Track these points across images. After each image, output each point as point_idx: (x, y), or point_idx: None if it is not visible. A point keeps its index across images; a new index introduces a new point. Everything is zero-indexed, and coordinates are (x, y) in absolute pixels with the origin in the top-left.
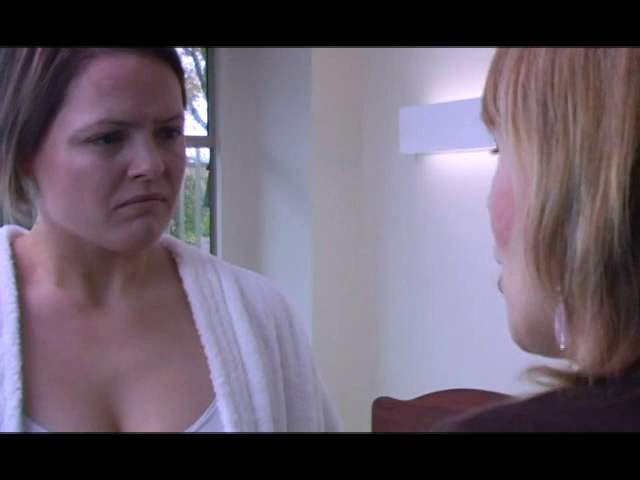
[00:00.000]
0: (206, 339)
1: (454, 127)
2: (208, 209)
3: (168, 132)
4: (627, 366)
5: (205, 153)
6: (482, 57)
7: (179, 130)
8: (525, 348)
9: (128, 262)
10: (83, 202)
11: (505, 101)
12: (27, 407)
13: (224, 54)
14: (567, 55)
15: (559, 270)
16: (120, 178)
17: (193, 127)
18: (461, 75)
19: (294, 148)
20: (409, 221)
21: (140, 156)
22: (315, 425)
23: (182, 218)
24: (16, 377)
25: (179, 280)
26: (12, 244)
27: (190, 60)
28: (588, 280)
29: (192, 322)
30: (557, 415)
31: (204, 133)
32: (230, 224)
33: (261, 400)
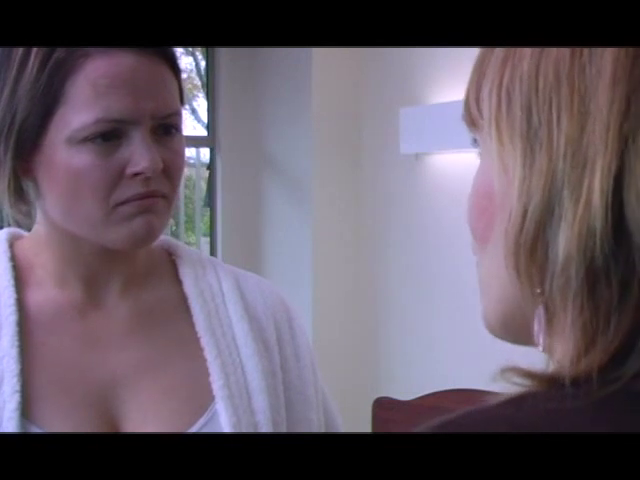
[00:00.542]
0: (205, 342)
1: (454, 127)
2: (208, 209)
3: (166, 129)
4: (601, 367)
5: (205, 153)
6: None
7: (177, 127)
8: (496, 336)
9: (128, 264)
10: (83, 201)
11: (489, 104)
12: (26, 410)
13: (224, 54)
14: (552, 60)
15: (540, 273)
16: (119, 176)
17: (193, 127)
18: (461, 75)
19: (294, 148)
20: (409, 221)
21: (138, 154)
22: (316, 427)
23: (182, 218)
24: (15, 380)
25: (179, 282)
26: (11, 246)
27: (190, 60)
28: (569, 284)
29: (192, 324)
30: (530, 416)
31: (204, 133)
32: (230, 224)
33: (260, 403)
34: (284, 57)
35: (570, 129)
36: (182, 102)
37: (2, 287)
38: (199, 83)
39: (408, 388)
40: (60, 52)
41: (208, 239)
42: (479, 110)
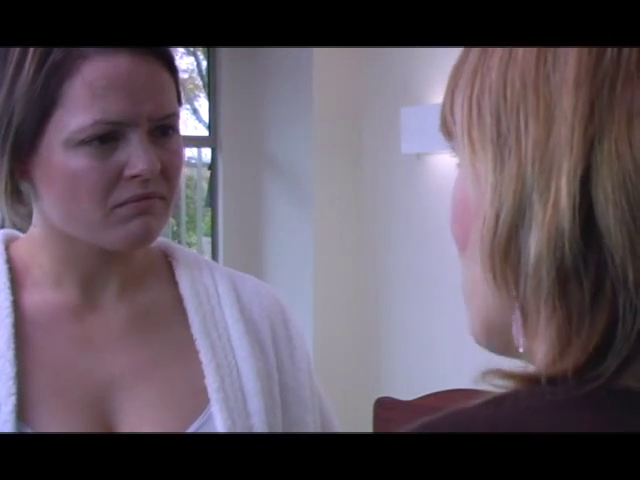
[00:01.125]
0: (201, 344)
1: None
2: (209, 209)
3: (164, 130)
4: (578, 367)
5: (207, 153)
6: None
7: (174, 128)
8: (481, 346)
9: (124, 265)
10: (80, 204)
11: (461, 114)
12: (22, 412)
13: (225, 54)
14: (519, 69)
15: (514, 276)
16: (117, 178)
17: (195, 127)
18: None
19: (295, 148)
20: (410, 221)
21: (136, 156)
22: (311, 429)
23: (184, 218)
24: (11, 382)
25: (175, 284)
26: (7, 248)
27: (192, 60)
28: (541, 285)
29: (187, 327)
30: (510, 415)
31: (206, 133)
32: (231, 224)
33: (256, 405)
34: (285, 57)
35: (537, 134)
36: (180, 102)
37: None
38: (200, 83)
39: (409, 388)
40: (57, 54)
41: (209, 239)
42: (453, 120)
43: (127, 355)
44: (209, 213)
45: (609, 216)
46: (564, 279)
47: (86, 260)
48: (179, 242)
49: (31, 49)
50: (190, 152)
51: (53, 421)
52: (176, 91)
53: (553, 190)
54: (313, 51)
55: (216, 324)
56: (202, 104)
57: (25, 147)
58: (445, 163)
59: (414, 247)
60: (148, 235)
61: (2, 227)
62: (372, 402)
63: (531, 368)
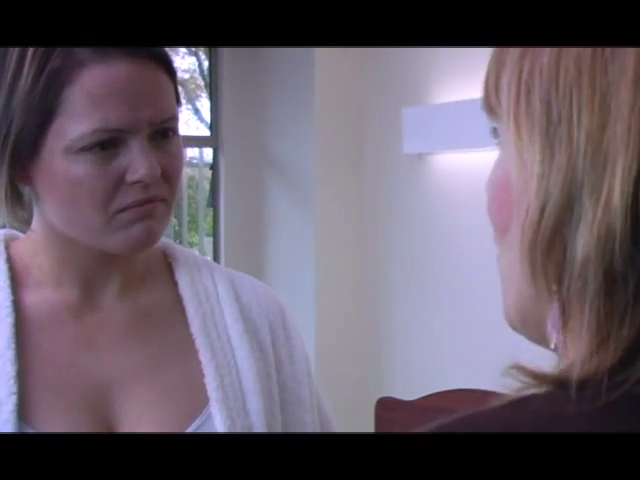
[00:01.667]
0: (200, 343)
1: (457, 127)
2: (211, 209)
3: (163, 133)
4: (610, 369)
5: (208, 153)
6: (485, 57)
7: (174, 130)
8: (516, 331)
9: (125, 266)
10: (82, 210)
11: (507, 96)
12: (22, 412)
13: (227, 54)
14: (574, 54)
15: (556, 272)
16: (118, 184)
17: (196, 127)
18: (463, 75)
19: (297, 148)
20: (412, 221)
21: (137, 161)
22: (310, 429)
23: (185, 218)
24: (12, 382)
25: (174, 284)
26: (7, 247)
27: (193, 60)
28: (587, 287)
29: (187, 326)
30: (530, 419)
31: (207, 133)
32: (233, 224)
33: (255, 404)
34: (287, 57)
35: (590, 127)
36: (179, 103)
37: None
38: (202, 83)
39: (411, 388)
40: (55, 62)
41: (211, 239)
42: (498, 100)
43: (127, 355)
44: (211, 213)
45: None
46: (611, 281)
47: (86, 261)
48: (181, 242)
49: (29, 55)
50: (192, 152)
51: (53, 420)
52: (175, 93)
53: (605, 188)
54: (315, 51)
55: (215, 324)
56: (204, 104)
57: (25, 155)
58: (446, 163)
59: (415, 247)
60: (150, 239)
61: (3, 227)
62: (374, 402)
63: (557, 369)
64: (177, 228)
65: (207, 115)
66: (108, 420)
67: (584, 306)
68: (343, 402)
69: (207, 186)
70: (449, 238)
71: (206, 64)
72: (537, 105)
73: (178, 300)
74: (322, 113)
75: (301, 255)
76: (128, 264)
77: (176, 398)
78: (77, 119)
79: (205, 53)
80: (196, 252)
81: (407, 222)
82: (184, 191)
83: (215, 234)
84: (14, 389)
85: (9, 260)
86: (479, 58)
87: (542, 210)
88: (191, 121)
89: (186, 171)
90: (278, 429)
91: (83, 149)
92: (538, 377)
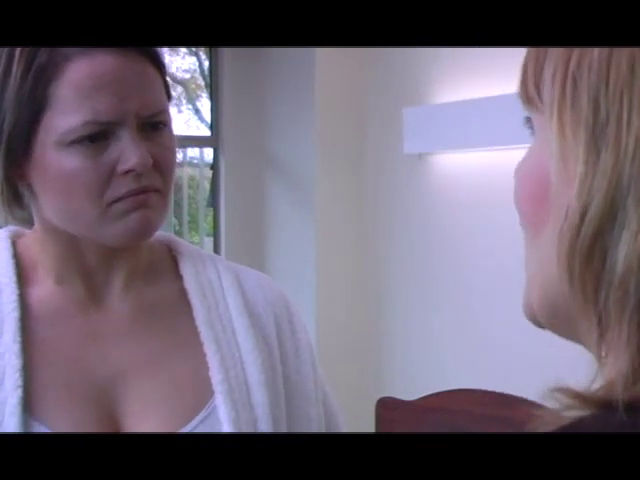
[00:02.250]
0: (205, 336)
1: (458, 127)
2: (212, 209)
3: (153, 126)
4: None
5: (209, 153)
6: (485, 57)
7: (164, 123)
8: (538, 325)
9: (128, 260)
10: (77, 202)
11: (551, 89)
12: (27, 405)
13: (227, 54)
14: (627, 51)
15: (594, 281)
16: (110, 175)
17: (197, 127)
18: (464, 75)
19: (297, 148)
20: (413, 221)
21: (127, 151)
22: (315, 422)
23: (185, 218)
24: (17, 375)
25: (179, 278)
26: (14, 243)
27: (194, 60)
28: (627, 300)
29: (192, 319)
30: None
31: (208, 133)
32: (233, 224)
33: (260, 397)
34: (287, 57)
35: None
36: (169, 97)
37: (4, 284)
38: (202, 83)
39: (412, 388)
40: (41, 58)
41: (212, 239)
42: (538, 92)
43: (132, 348)
44: (211, 213)
45: None
46: None
47: (88, 256)
48: None
49: (17, 54)
50: (192, 152)
51: (59, 413)
52: (164, 85)
53: None
54: (315, 51)
55: (220, 317)
56: (204, 104)
57: (19, 152)
58: (447, 163)
59: (416, 247)
60: (147, 228)
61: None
62: (374, 402)
63: (601, 388)
64: (177, 228)
65: (207, 115)
66: (113, 413)
67: (622, 319)
68: (343, 402)
69: (207, 186)
70: (449, 238)
71: (206, 64)
72: (584, 102)
73: (183, 293)
74: (322, 113)
75: (301, 255)
76: (132, 258)
77: (181, 391)
78: (66, 113)
79: (205, 53)
80: None
81: (407, 222)
82: (184, 191)
83: (215, 234)
84: (20, 382)
85: (15, 256)
86: (479, 58)
87: (583, 214)
88: (191, 121)
89: (186, 171)
90: (283, 421)
91: (74, 142)
92: (583, 399)
